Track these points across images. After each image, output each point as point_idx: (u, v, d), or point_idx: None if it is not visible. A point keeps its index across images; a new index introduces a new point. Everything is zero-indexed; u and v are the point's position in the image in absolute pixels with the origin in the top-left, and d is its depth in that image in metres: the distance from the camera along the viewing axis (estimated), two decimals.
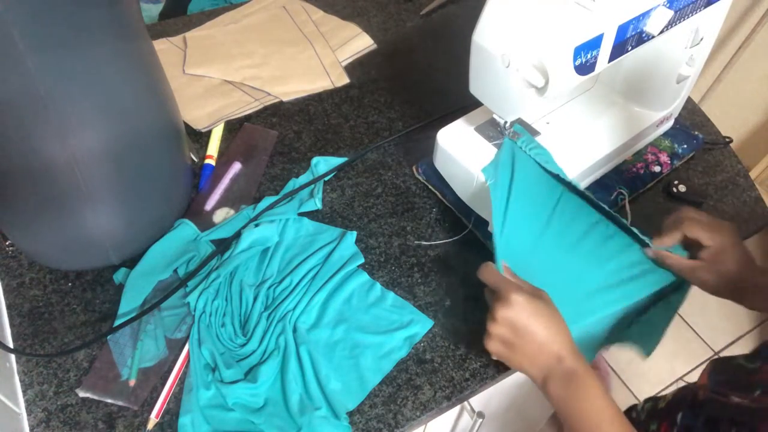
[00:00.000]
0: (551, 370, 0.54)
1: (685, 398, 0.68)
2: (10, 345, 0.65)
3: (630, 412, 0.79)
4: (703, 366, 0.67)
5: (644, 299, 0.66)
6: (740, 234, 0.65)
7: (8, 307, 0.68)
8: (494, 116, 0.70)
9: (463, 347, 0.67)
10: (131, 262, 0.70)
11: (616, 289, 0.66)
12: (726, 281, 0.62)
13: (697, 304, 1.72)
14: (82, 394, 0.61)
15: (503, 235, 0.65)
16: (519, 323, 0.54)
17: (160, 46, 0.98)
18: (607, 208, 0.68)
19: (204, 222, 0.76)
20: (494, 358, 0.59)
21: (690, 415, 0.64)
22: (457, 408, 0.76)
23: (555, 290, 0.59)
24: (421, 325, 0.68)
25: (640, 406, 0.78)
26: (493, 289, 0.58)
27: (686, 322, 1.73)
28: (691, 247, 0.65)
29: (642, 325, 0.66)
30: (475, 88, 0.67)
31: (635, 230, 0.67)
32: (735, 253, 0.62)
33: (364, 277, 0.71)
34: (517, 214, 0.66)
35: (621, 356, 1.65)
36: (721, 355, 1.67)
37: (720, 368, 0.64)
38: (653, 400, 0.75)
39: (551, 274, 0.66)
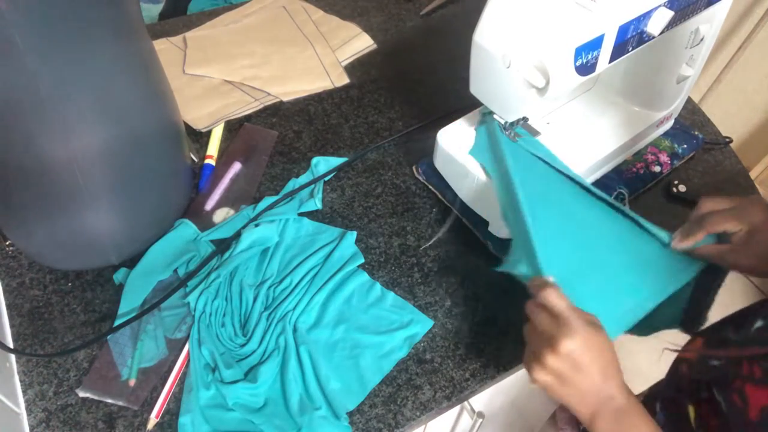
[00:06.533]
0: (602, 408, 0.52)
1: (659, 389, 0.66)
2: (10, 345, 0.65)
3: None
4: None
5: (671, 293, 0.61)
6: None
7: (8, 307, 0.67)
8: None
9: (463, 347, 0.67)
10: (131, 262, 0.70)
11: (644, 288, 0.61)
12: (761, 260, 0.57)
13: None
14: (82, 394, 0.61)
15: (537, 234, 0.58)
16: (581, 360, 0.51)
17: (160, 46, 0.98)
18: (610, 200, 0.64)
19: (204, 222, 0.76)
20: (533, 386, 0.54)
21: (669, 396, 0.61)
22: (457, 408, 0.76)
23: (587, 298, 0.54)
24: (421, 325, 0.68)
25: None
26: (548, 315, 0.53)
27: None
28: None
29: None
30: (476, 89, 0.67)
31: (648, 226, 0.63)
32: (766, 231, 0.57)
33: (364, 277, 0.71)
34: (535, 206, 0.61)
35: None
36: None
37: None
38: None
39: (579, 275, 0.59)
